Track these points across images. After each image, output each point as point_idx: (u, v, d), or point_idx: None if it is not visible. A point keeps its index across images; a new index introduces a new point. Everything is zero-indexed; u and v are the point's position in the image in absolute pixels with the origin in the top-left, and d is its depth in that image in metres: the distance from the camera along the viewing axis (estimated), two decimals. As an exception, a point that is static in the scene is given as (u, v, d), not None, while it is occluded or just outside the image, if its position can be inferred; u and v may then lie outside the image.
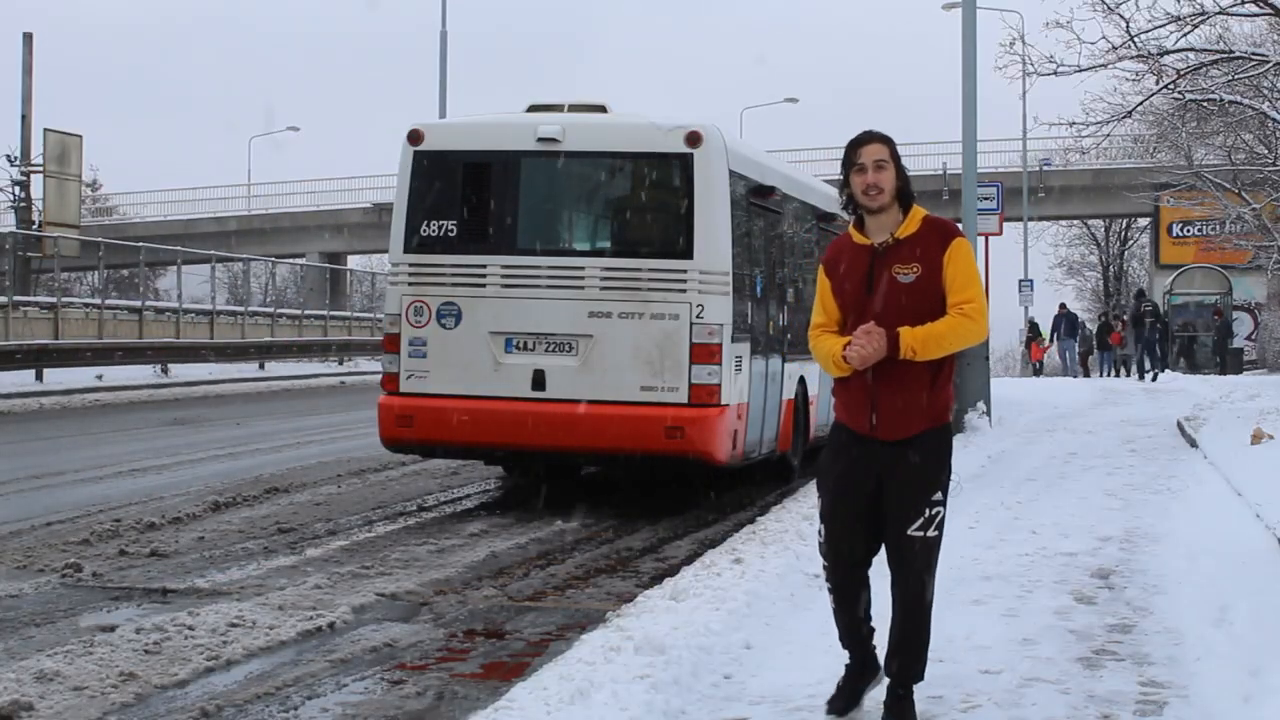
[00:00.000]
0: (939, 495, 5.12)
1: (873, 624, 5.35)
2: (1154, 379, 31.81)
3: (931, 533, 5.11)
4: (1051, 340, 42.29)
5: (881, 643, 5.29)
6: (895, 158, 5.13)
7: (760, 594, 7.24)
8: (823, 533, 5.28)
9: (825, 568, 5.31)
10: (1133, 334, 35.05)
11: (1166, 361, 37.18)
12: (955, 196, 31.45)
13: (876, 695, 5.31)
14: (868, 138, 5.16)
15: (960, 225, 19.66)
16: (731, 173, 11.52)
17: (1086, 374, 39.46)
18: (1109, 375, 38.01)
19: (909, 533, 5.09)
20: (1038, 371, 44.03)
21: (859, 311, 5.10)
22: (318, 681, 6.36)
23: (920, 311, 5.03)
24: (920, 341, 5.00)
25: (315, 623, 7.32)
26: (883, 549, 5.24)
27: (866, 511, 5.17)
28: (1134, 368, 34.38)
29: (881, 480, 5.12)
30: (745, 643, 6.36)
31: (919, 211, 5.18)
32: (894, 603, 5.20)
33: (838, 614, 5.33)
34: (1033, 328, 45.52)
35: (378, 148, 63.38)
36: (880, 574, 5.30)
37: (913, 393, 5.08)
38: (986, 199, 23.87)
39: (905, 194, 5.15)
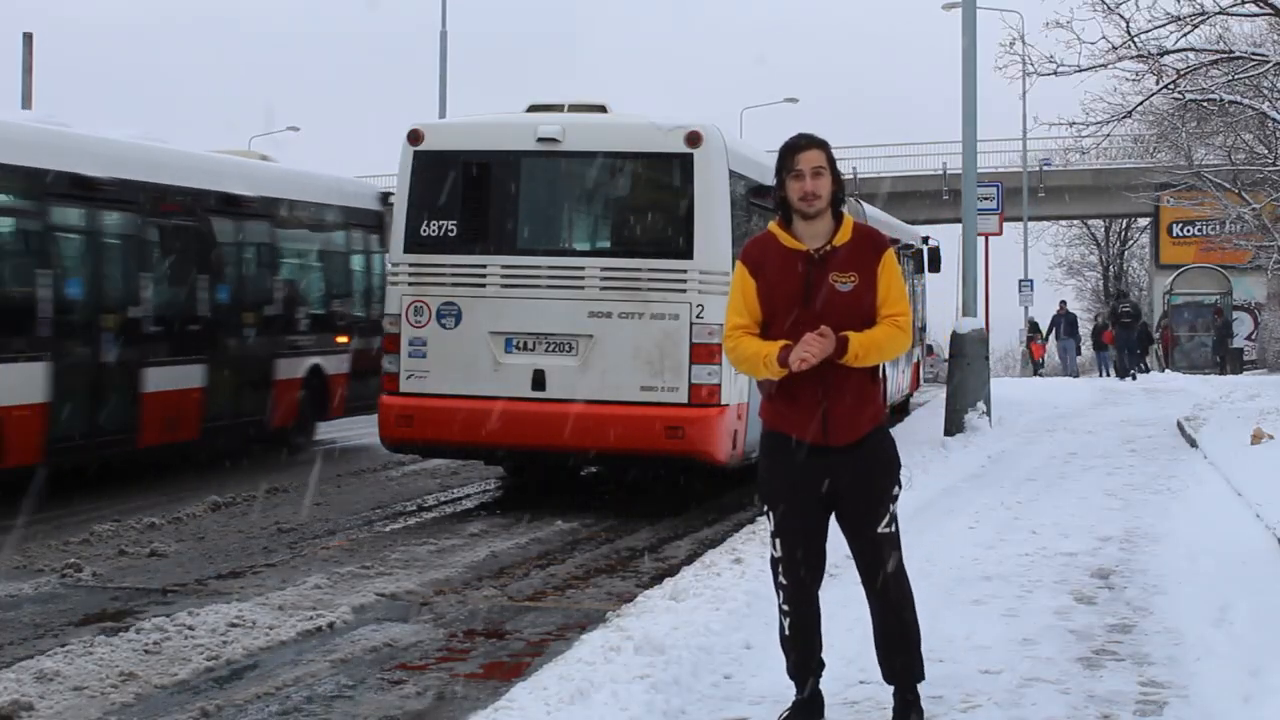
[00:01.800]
0: (897, 490, 5.15)
1: (823, 657, 5.25)
2: (1133, 379, 32.22)
3: (895, 527, 5.13)
4: (1047, 338, 42.29)
5: (866, 647, 5.25)
6: (832, 163, 5.06)
7: (760, 594, 7.22)
8: (780, 551, 5.09)
9: (783, 590, 5.12)
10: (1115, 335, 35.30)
11: (1144, 362, 37.27)
12: (955, 196, 31.39)
13: (882, 698, 5.31)
14: (806, 143, 5.06)
15: (960, 225, 19.56)
16: (731, 173, 11.52)
17: (1076, 374, 39.47)
18: (1106, 375, 38.02)
19: (879, 531, 5.07)
20: (1039, 369, 44.01)
21: (796, 317, 4.98)
22: (318, 681, 6.36)
23: (855, 320, 4.99)
24: (864, 348, 4.96)
25: (315, 623, 7.33)
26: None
27: (822, 524, 5.12)
28: (1125, 367, 34.52)
29: (833, 487, 5.04)
30: (745, 643, 6.36)
31: (849, 219, 5.14)
32: (876, 606, 5.14)
33: (795, 642, 5.15)
34: (1033, 327, 45.53)
35: (378, 148, 63.24)
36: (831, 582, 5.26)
37: (862, 394, 5.07)
38: (986, 199, 23.85)
39: (838, 200, 5.10)
